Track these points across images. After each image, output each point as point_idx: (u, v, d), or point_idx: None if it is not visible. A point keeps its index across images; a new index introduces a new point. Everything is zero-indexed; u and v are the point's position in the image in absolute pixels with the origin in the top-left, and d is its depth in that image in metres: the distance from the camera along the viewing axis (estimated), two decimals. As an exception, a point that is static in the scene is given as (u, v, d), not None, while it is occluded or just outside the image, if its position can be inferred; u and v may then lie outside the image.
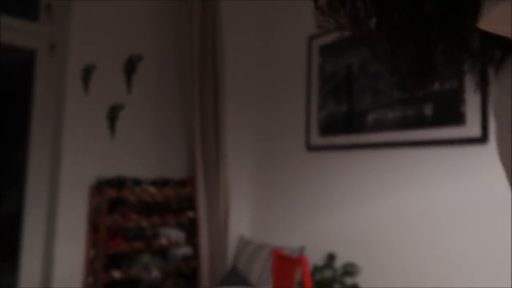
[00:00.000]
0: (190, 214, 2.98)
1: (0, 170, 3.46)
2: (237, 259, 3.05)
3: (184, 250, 2.99)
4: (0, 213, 3.56)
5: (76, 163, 2.77)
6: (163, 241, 2.84)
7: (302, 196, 2.88)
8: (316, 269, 2.44)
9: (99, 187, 2.73)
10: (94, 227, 2.75)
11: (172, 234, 2.88)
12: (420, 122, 2.19)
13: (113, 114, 2.92)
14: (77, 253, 2.74)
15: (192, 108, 3.02)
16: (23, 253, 2.77)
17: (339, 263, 2.49)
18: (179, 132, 3.17)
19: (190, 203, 3.01)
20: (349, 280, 2.41)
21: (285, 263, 2.06)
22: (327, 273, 2.45)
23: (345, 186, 2.63)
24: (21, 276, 2.77)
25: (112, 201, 2.73)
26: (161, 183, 2.92)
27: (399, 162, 2.34)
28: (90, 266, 2.72)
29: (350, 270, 2.40)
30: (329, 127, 2.69)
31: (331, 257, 2.52)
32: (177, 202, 3.02)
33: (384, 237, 2.38)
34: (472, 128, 2.00)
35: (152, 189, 2.84)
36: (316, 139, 2.77)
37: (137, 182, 2.82)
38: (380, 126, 2.37)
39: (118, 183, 2.72)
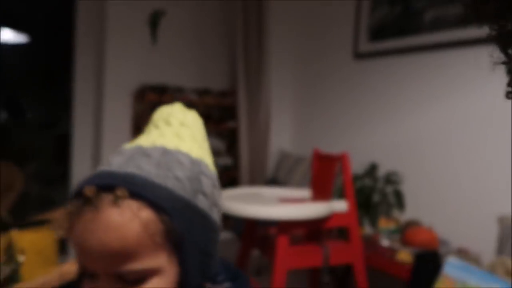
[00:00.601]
0: (231, 124, 2.98)
1: (52, 99, 3.58)
2: (277, 171, 3.05)
3: (225, 160, 3.03)
4: (54, 135, 3.73)
5: (119, 69, 2.80)
6: (204, 148, 2.87)
7: (344, 107, 2.77)
8: (357, 178, 2.38)
9: (142, 92, 2.76)
10: (138, 133, 2.82)
11: (213, 143, 2.91)
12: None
13: (154, 20, 2.87)
14: (123, 156, 2.85)
15: (235, 17, 2.91)
16: (74, 166, 2.91)
17: (381, 172, 2.42)
18: (222, 43, 3.09)
19: (231, 114, 2.99)
20: (390, 188, 2.34)
21: (325, 162, 2.01)
22: (368, 182, 2.39)
23: (390, 94, 2.48)
24: (72, 187, 2.93)
25: (154, 107, 2.76)
26: (203, 92, 2.90)
27: (453, 64, 2.15)
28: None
29: (392, 178, 2.33)
30: (380, 31, 2.50)
31: (373, 167, 2.45)
32: (218, 111, 3.02)
33: (428, 146, 2.25)
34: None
35: (193, 96, 2.83)
36: (365, 45, 2.60)
37: (179, 89, 2.82)
38: (438, 25, 2.16)
39: (160, 88, 2.74)
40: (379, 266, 1.97)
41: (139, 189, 0.48)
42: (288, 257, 1.73)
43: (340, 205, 1.85)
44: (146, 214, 0.48)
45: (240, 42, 2.88)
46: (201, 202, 0.52)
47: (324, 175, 2.00)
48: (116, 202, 0.47)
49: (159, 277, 0.49)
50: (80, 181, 0.50)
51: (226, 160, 3.03)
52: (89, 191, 0.47)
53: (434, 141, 2.24)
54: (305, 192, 2.08)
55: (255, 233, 2.11)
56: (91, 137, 2.94)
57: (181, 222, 0.50)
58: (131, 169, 0.50)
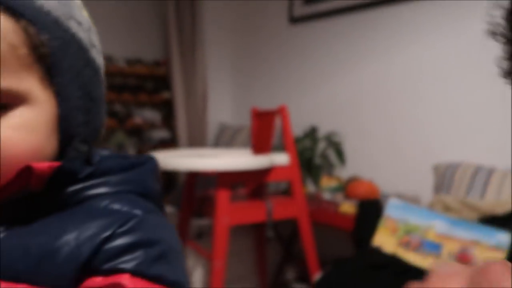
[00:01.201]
0: (166, 95, 2.83)
1: None
2: (216, 144, 2.95)
3: (162, 134, 2.88)
4: None
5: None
6: (138, 120, 2.70)
7: (282, 73, 2.74)
8: (298, 140, 2.35)
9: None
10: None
11: (147, 115, 2.74)
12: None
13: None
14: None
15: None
16: None
17: (321, 134, 2.41)
18: (153, 10, 2.92)
19: (165, 84, 2.84)
20: (331, 148, 2.33)
21: (263, 119, 1.95)
22: (309, 144, 2.37)
23: (327, 57, 2.48)
24: None
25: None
26: (134, 61, 2.72)
27: (388, 21, 2.18)
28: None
29: (333, 138, 2.32)
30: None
31: (313, 129, 2.43)
32: (151, 82, 2.85)
33: (365, 104, 2.28)
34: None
35: (123, 65, 2.65)
36: (300, 9, 2.57)
37: (108, 58, 2.62)
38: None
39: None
40: (323, 220, 1.94)
41: None
42: (230, 213, 1.64)
43: (281, 158, 1.79)
44: (3, 20, 0.36)
45: (172, 9, 2.74)
46: (75, 29, 0.41)
47: (263, 131, 1.93)
48: None
49: (28, 106, 0.38)
50: None
51: (163, 133, 2.88)
52: None
53: (371, 98, 2.26)
54: (245, 151, 2.01)
55: (193, 197, 2.00)
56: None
57: (52, 40, 0.39)
58: None
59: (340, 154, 2.23)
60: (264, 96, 2.87)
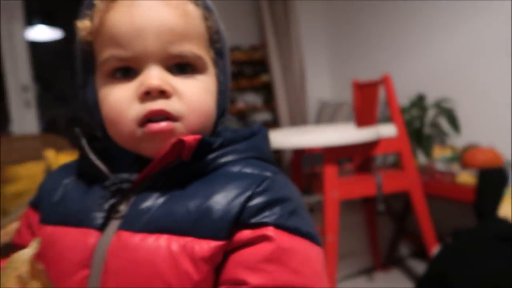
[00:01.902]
0: (265, 77, 2.89)
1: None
2: (317, 121, 2.95)
3: (264, 116, 2.96)
4: None
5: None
6: (240, 105, 2.82)
7: (382, 39, 2.60)
8: (404, 111, 2.23)
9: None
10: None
11: (249, 98, 2.84)
12: None
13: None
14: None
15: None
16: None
17: (429, 102, 2.25)
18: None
19: (264, 68, 2.91)
20: (441, 116, 2.17)
21: (365, 90, 1.89)
22: (416, 113, 2.23)
23: (430, 16, 2.28)
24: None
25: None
26: (233, 48, 2.83)
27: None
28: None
29: (443, 105, 2.15)
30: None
31: (420, 98, 2.28)
32: (250, 67, 2.94)
33: (484, 64, 2.05)
34: None
35: (223, 54, 2.77)
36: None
37: (208, 48, 2.77)
38: None
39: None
40: (438, 192, 1.83)
41: None
42: (338, 187, 1.64)
43: (388, 130, 1.73)
44: (196, 6, 0.47)
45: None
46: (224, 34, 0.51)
47: (367, 103, 1.88)
48: None
49: (206, 76, 0.47)
50: None
51: (265, 116, 2.96)
52: None
53: (487, 57, 2.04)
54: (349, 125, 1.97)
55: (301, 175, 2.04)
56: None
57: (221, 30, 0.50)
58: None
59: (453, 121, 2.07)
60: (363, 67, 2.77)
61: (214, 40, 0.48)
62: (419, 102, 2.26)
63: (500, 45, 1.96)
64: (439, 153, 2.07)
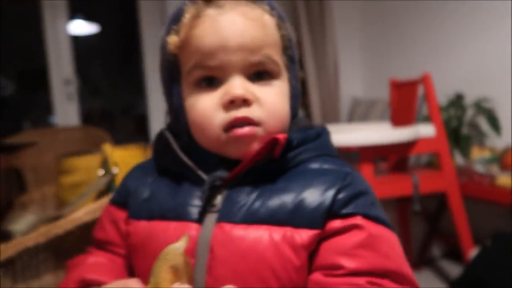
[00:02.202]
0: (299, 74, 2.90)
1: (127, 81, 3.81)
2: (350, 119, 2.94)
3: (296, 112, 2.97)
4: (135, 115, 4.00)
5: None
6: (274, 101, 2.84)
7: (418, 36, 2.56)
8: (442, 110, 2.19)
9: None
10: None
11: (282, 95, 2.86)
12: None
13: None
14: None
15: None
16: (152, 131, 3.05)
17: (468, 101, 2.21)
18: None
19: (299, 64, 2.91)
20: (480, 116, 2.13)
21: (404, 89, 1.88)
22: (454, 113, 2.20)
23: (470, 14, 2.23)
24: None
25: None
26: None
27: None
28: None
29: (483, 105, 2.11)
30: None
31: (459, 97, 2.24)
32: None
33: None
34: None
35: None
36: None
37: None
38: None
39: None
40: (476, 194, 1.80)
41: None
42: (375, 187, 1.64)
43: (426, 129, 1.71)
44: (272, 16, 0.51)
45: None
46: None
47: (404, 102, 1.87)
48: (242, 2, 0.49)
49: (280, 81, 0.51)
50: None
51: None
52: None
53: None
54: (385, 124, 1.97)
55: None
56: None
57: (292, 37, 0.54)
58: None
59: (494, 121, 2.02)
60: (398, 65, 2.74)
61: (286, 47, 0.53)
62: (457, 101, 2.22)
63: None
64: (478, 154, 2.03)
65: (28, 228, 0.88)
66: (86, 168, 1.06)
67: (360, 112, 2.83)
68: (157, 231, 0.50)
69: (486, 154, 2.01)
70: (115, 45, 3.91)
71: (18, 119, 3.83)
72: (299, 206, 0.47)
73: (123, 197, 0.57)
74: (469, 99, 2.21)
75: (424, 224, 2.19)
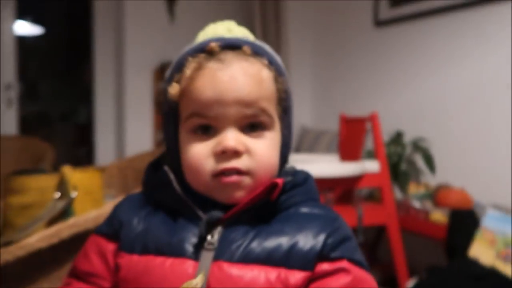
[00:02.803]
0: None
1: (71, 86, 3.66)
2: (297, 148, 3.04)
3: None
4: (75, 123, 3.82)
5: (138, 47, 2.80)
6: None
7: (365, 76, 2.74)
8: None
9: (162, 69, 2.75)
10: (159, 109, 2.83)
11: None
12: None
13: (172, -3, 2.86)
14: (146, 135, 2.86)
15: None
16: (98, 146, 2.93)
17: (407, 139, 2.39)
18: (239, 16, 3.07)
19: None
20: (418, 154, 2.31)
21: (352, 125, 1.99)
22: (394, 149, 2.36)
23: (412, 60, 2.44)
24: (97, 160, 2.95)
25: (176, 84, 2.76)
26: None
27: (477, 23, 2.11)
28: (158, 148, 2.83)
29: (420, 144, 2.30)
30: (401, -4, 2.46)
31: (398, 135, 2.42)
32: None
33: (454, 109, 2.22)
34: None
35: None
36: (386, 12, 2.56)
37: (199, 65, 2.81)
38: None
39: (181, 65, 2.73)
40: (412, 228, 1.94)
41: (260, 50, 0.54)
42: (322, 217, 1.71)
43: (372, 165, 1.83)
44: (269, 70, 0.54)
45: (257, 11, 2.86)
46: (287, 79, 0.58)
47: (352, 138, 1.98)
48: (243, 57, 0.52)
49: (273, 132, 0.54)
50: (195, 44, 0.55)
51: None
52: (214, 46, 0.52)
53: (460, 102, 2.20)
54: (333, 157, 2.07)
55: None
56: (113, 118, 2.95)
57: (287, 88, 0.57)
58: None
59: (429, 160, 2.20)
60: (346, 99, 2.90)
61: (282, 98, 0.56)
62: (397, 138, 2.40)
63: (476, 90, 2.13)
64: (414, 189, 2.20)
65: (-28, 253, 0.81)
66: (39, 188, 1.00)
67: (308, 142, 2.94)
68: (152, 266, 0.51)
69: (422, 190, 2.18)
70: (60, 49, 3.73)
71: None
72: (294, 248, 0.50)
73: (114, 228, 0.57)
74: (408, 137, 2.39)
75: (364, 253, 2.30)
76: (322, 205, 0.57)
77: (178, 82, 0.53)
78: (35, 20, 3.10)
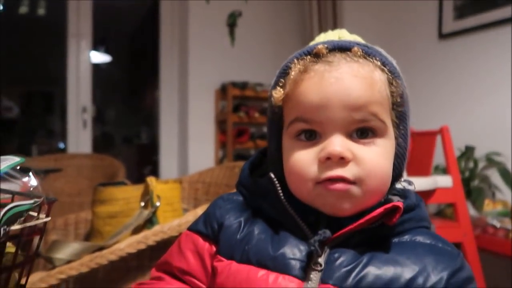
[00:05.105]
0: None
1: (135, 110, 3.87)
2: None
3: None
4: (137, 144, 4.04)
5: (201, 70, 2.92)
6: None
7: (431, 90, 2.65)
8: (452, 161, 2.24)
9: (224, 89, 2.84)
10: (221, 130, 2.91)
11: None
12: None
13: (232, 21, 2.97)
14: (208, 153, 2.94)
15: (310, 12, 2.93)
16: (161, 160, 3.06)
17: (477, 155, 2.26)
18: (297, 37, 3.12)
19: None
20: (491, 169, 2.18)
21: (421, 139, 1.92)
22: (464, 165, 2.24)
23: (480, 73, 2.33)
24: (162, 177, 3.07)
25: (236, 103, 2.83)
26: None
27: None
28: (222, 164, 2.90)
29: (494, 158, 2.16)
30: (468, 6, 2.38)
31: (468, 149, 2.29)
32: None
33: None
34: None
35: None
36: (450, 24, 2.49)
37: (259, 84, 2.88)
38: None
39: (241, 84, 2.80)
40: (490, 247, 1.82)
41: (372, 51, 0.50)
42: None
43: (444, 180, 1.75)
44: (382, 72, 0.49)
45: (316, 27, 2.89)
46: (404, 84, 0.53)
47: (421, 152, 1.91)
48: (352, 58, 0.48)
49: (386, 140, 0.49)
50: (303, 48, 0.52)
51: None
52: (322, 48, 0.49)
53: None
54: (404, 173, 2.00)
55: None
56: (176, 137, 3.07)
57: (404, 93, 0.52)
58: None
59: (506, 175, 2.07)
60: (412, 113, 2.80)
61: (397, 103, 0.50)
62: (468, 153, 2.27)
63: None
64: (490, 207, 2.06)
65: (70, 256, 0.87)
66: (124, 199, 1.06)
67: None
68: (254, 278, 0.48)
69: (499, 207, 2.04)
70: (125, 75, 3.98)
71: (23, 143, 3.82)
72: (413, 282, 0.45)
73: (213, 229, 0.54)
74: (479, 152, 2.26)
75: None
76: (440, 237, 0.51)
77: (283, 87, 0.51)
78: (106, 50, 3.35)
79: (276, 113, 0.52)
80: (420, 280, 0.45)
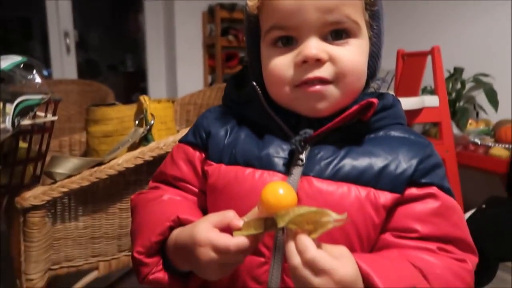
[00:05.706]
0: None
1: (119, 36, 3.69)
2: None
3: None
4: (123, 72, 3.94)
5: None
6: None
7: (419, 10, 2.59)
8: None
9: (211, 11, 2.74)
10: (210, 54, 2.85)
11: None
12: None
13: None
14: (197, 78, 2.91)
15: None
16: (150, 86, 3.02)
17: (467, 77, 2.28)
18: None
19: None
20: (477, 90, 2.21)
21: (411, 60, 1.93)
22: (452, 85, 2.27)
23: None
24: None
25: (224, 27, 2.75)
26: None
27: None
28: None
29: (481, 79, 2.19)
30: None
31: (457, 70, 2.31)
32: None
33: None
34: None
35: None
36: None
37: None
38: None
39: (230, 5, 2.70)
40: (471, 163, 1.91)
41: None
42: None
43: (431, 100, 1.78)
44: None
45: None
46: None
47: (411, 73, 1.92)
48: None
49: (359, 39, 0.51)
50: None
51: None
52: None
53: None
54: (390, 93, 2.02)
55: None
56: (164, 62, 3.01)
57: None
58: None
59: (492, 96, 2.10)
60: (403, 34, 2.77)
61: (370, 3, 0.51)
62: (457, 75, 2.29)
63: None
64: (473, 126, 2.13)
65: (70, 171, 0.90)
66: (118, 118, 1.07)
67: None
68: (242, 176, 0.52)
69: (481, 126, 2.11)
70: (108, 1, 3.77)
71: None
72: (385, 170, 0.49)
73: (201, 138, 0.58)
74: (468, 74, 2.28)
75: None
76: (413, 131, 0.55)
77: None
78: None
79: (252, 22, 0.54)
80: (392, 167, 0.49)
